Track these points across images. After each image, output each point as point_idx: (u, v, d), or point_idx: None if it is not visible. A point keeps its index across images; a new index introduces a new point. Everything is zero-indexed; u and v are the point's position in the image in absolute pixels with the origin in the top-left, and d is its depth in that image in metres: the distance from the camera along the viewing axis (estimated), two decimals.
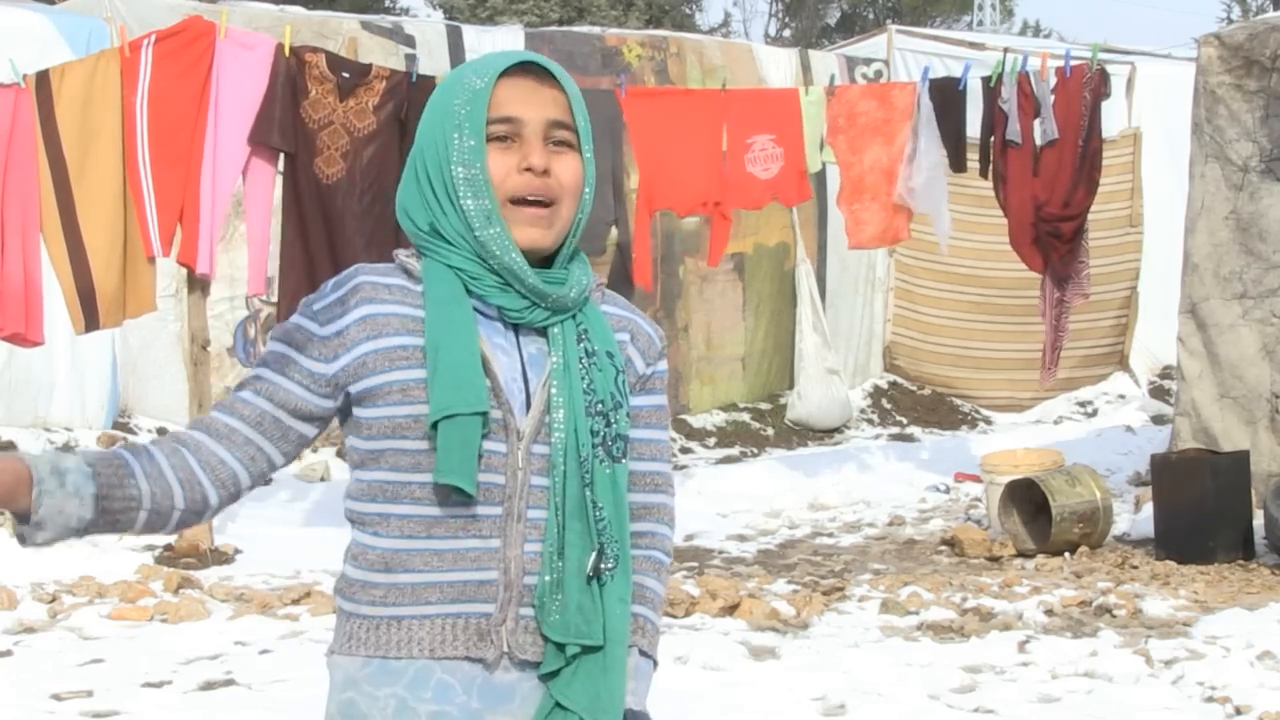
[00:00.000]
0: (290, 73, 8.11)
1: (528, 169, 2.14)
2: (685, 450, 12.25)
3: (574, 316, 2.20)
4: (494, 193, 2.14)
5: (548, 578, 2.15)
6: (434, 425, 2.10)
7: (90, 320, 7.97)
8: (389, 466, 2.15)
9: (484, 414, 2.10)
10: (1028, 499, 8.64)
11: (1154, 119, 13.17)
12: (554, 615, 2.15)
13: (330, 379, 2.16)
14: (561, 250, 2.20)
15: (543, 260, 2.19)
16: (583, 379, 2.17)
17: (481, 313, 2.17)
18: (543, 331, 2.19)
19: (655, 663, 2.27)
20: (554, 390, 2.16)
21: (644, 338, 2.30)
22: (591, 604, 2.15)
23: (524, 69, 2.17)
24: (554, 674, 2.17)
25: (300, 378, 2.17)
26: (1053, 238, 9.25)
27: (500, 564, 2.15)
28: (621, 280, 9.10)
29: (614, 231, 9.48)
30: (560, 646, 2.16)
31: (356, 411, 2.17)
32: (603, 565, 2.16)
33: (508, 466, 2.15)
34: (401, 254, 2.22)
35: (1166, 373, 12.74)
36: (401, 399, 2.12)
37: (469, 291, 2.16)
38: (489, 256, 2.14)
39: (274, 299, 9.27)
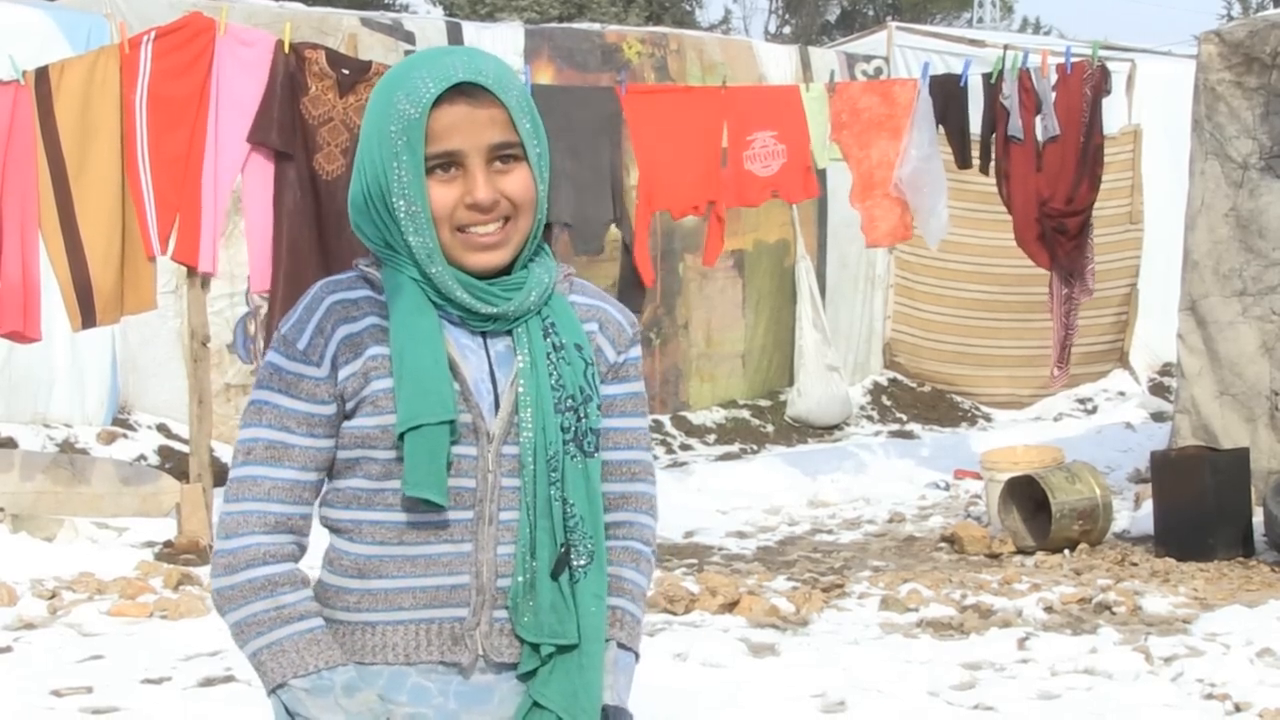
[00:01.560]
0: (290, 69, 8.10)
1: (473, 205, 2.09)
2: (685, 447, 12.25)
3: (539, 311, 2.17)
4: (435, 230, 2.10)
5: (520, 578, 2.13)
6: (401, 436, 2.08)
7: (87, 317, 7.97)
8: (362, 475, 2.13)
9: (450, 422, 2.08)
10: (1028, 496, 8.64)
11: (1154, 116, 13.17)
12: (527, 616, 2.13)
13: (337, 412, 2.14)
14: (521, 254, 2.16)
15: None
16: (551, 375, 2.14)
17: (446, 317, 2.14)
18: (509, 330, 2.16)
19: (636, 655, 2.25)
20: (521, 389, 2.13)
21: (614, 325, 2.25)
22: (564, 603, 2.14)
23: (457, 89, 2.07)
24: (532, 673, 2.16)
25: (324, 429, 2.14)
26: (1058, 233, 9.26)
27: (472, 568, 2.13)
28: (631, 283, 8.99)
29: (615, 230, 9.40)
30: (535, 646, 2.14)
31: (342, 425, 2.16)
32: (574, 562, 2.14)
33: (478, 470, 2.13)
34: (361, 263, 2.18)
35: (1166, 370, 12.75)
36: (372, 410, 2.11)
37: (431, 300, 2.13)
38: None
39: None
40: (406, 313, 2.11)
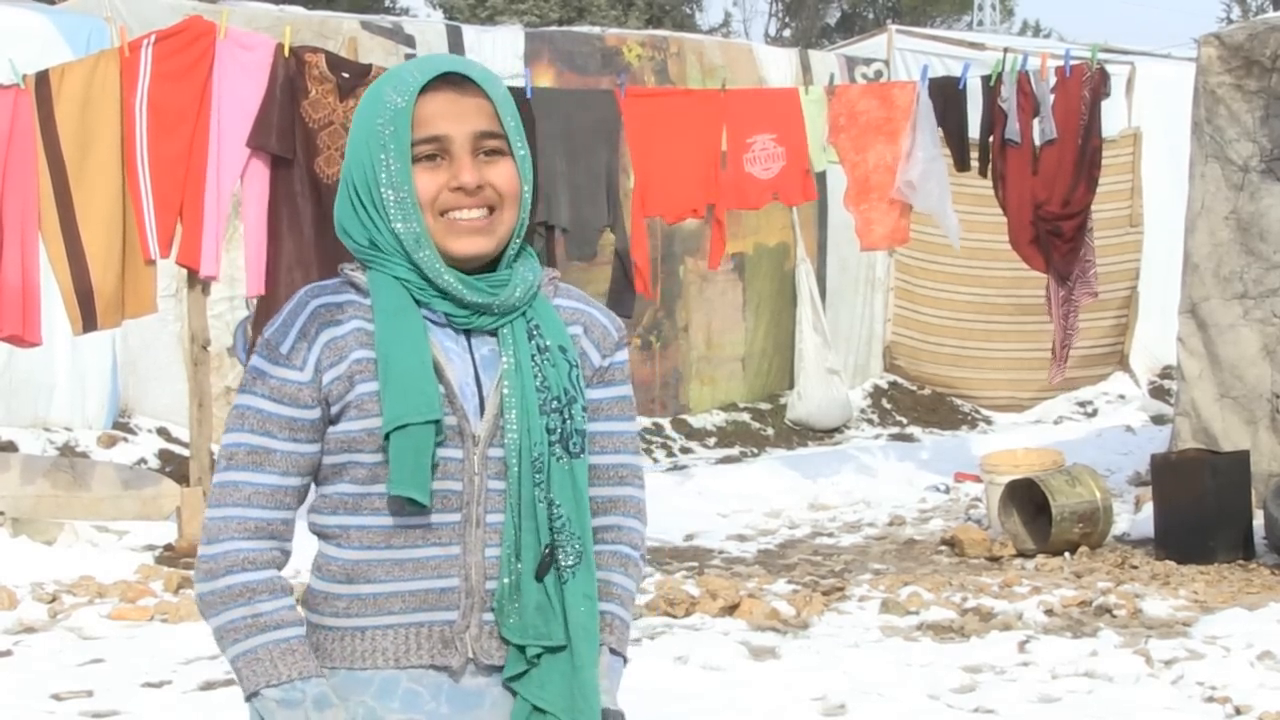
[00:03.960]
0: (290, 73, 8.11)
1: (458, 188, 2.11)
2: (685, 450, 12.25)
3: (524, 313, 2.18)
4: (422, 215, 2.11)
5: (506, 580, 2.14)
6: (387, 436, 2.08)
7: (88, 321, 7.97)
8: (348, 480, 2.14)
9: (436, 422, 2.09)
10: (1028, 499, 8.64)
11: (1154, 119, 13.17)
12: (512, 618, 2.14)
13: (321, 416, 2.15)
14: (505, 252, 2.17)
15: (488, 263, 2.17)
16: (535, 376, 2.15)
17: (431, 320, 2.14)
18: (494, 332, 2.17)
19: (625, 659, 2.25)
20: (506, 391, 2.14)
21: (598, 329, 2.26)
22: (550, 604, 2.14)
23: (444, 79, 2.12)
24: (519, 677, 2.15)
25: (307, 434, 2.14)
26: (1053, 236, 9.26)
27: (461, 570, 2.14)
28: (624, 289, 8.98)
29: (611, 236, 9.39)
30: (521, 649, 2.14)
31: (328, 430, 2.16)
32: (561, 563, 2.14)
33: (465, 472, 2.13)
34: (347, 268, 2.19)
35: (1166, 373, 12.75)
36: (357, 414, 2.11)
37: (416, 300, 2.14)
38: (425, 275, 2.13)
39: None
40: (391, 314, 2.12)
